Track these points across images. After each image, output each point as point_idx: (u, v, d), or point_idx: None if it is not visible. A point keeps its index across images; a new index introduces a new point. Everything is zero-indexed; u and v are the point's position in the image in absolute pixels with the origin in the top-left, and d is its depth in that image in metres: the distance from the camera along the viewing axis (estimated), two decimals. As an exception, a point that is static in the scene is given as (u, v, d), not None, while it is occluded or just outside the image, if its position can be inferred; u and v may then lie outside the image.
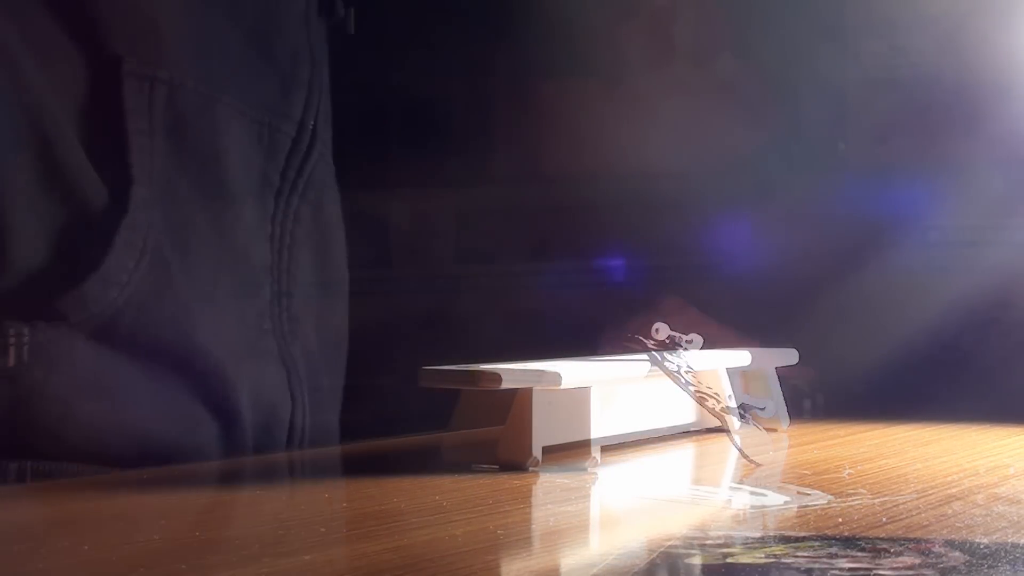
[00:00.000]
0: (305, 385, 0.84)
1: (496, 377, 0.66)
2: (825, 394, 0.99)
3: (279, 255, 0.83)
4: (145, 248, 0.71)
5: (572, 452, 0.73)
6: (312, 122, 0.84)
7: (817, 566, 0.46)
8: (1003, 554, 0.48)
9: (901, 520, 0.55)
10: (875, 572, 0.45)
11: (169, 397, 0.74)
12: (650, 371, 0.77)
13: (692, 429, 0.85)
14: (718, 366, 0.85)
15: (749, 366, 0.86)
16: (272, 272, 0.82)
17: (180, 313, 0.74)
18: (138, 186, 0.71)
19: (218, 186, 0.78)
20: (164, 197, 0.74)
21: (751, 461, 0.72)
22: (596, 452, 0.72)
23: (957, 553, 0.48)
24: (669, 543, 0.50)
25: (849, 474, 0.68)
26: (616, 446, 0.77)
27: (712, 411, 0.78)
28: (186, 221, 0.76)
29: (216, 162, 0.78)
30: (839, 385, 1.00)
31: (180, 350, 0.74)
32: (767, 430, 0.85)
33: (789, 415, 0.88)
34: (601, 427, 0.76)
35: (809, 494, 0.61)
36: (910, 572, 0.45)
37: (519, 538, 0.54)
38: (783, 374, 0.89)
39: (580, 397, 0.73)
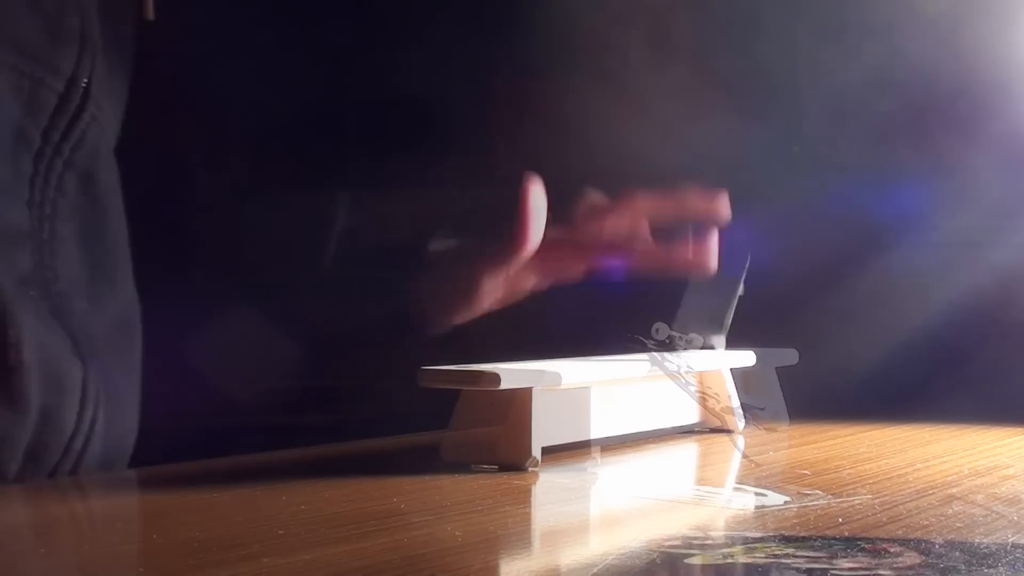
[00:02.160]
0: (95, 360, 0.74)
1: (496, 377, 0.66)
2: (825, 394, 0.99)
3: (39, 224, 0.73)
4: None
5: (572, 452, 0.73)
6: (85, 80, 0.75)
7: (818, 566, 0.46)
8: (1003, 554, 0.48)
9: (901, 520, 0.55)
10: (876, 572, 0.45)
11: None
12: (650, 371, 0.77)
13: (692, 429, 0.85)
14: (721, 366, 0.85)
15: (751, 367, 0.86)
16: (33, 239, 0.72)
17: None
18: None
19: None
20: None
21: (751, 461, 0.72)
22: (596, 452, 0.72)
23: (957, 553, 0.48)
24: (669, 543, 0.50)
25: (849, 474, 0.68)
26: (616, 446, 0.77)
27: (713, 411, 0.78)
28: None
29: None
30: (839, 385, 1.00)
31: None
32: (767, 430, 0.85)
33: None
34: (601, 427, 0.76)
35: (809, 494, 0.61)
36: (911, 572, 0.45)
37: (519, 538, 0.54)
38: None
39: (580, 397, 0.73)
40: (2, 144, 0.71)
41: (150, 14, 0.83)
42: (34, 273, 0.72)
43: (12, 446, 0.69)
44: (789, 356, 0.90)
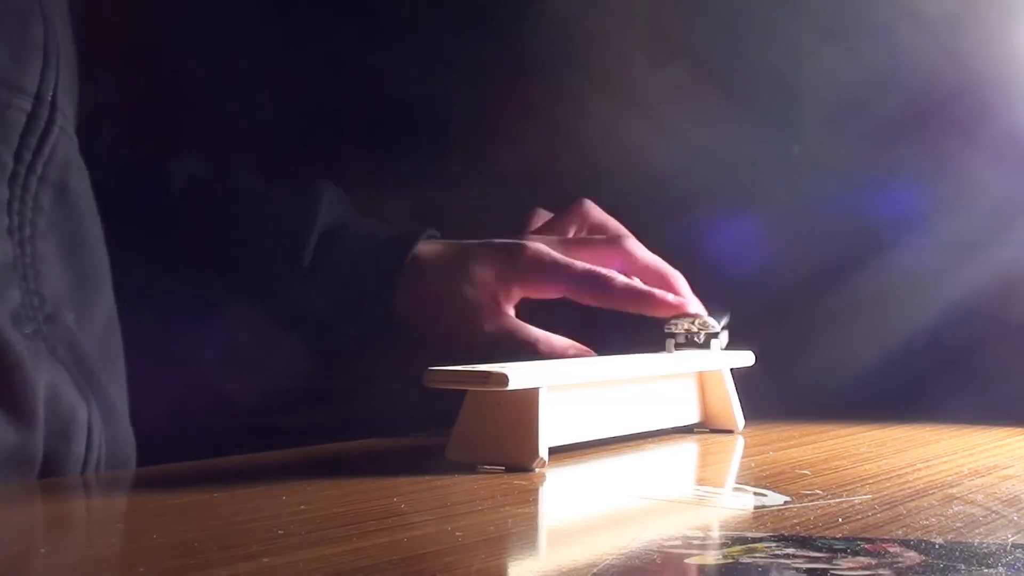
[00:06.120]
0: (91, 387, 0.74)
1: (504, 378, 0.66)
2: (826, 394, 0.99)
3: (21, 249, 0.71)
4: None
5: (574, 452, 0.73)
6: (52, 93, 0.72)
7: (818, 566, 0.46)
8: (1003, 554, 0.48)
9: (901, 520, 0.55)
10: (876, 572, 0.45)
11: None
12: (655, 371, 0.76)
13: (693, 429, 0.85)
14: (722, 367, 0.85)
15: (750, 367, 0.86)
16: (17, 269, 0.71)
17: None
18: None
19: None
20: None
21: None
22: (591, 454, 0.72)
23: (957, 553, 0.48)
24: (669, 543, 0.50)
25: (849, 474, 0.68)
26: (617, 446, 0.77)
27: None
28: None
29: None
30: (839, 385, 1.00)
31: None
32: (724, 432, 0.84)
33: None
34: (606, 427, 0.76)
35: (809, 494, 0.61)
36: (911, 572, 0.45)
37: (519, 538, 0.54)
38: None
39: (586, 397, 0.74)
40: None
41: None
42: (22, 303, 0.71)
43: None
44: (745, 358, 0.87)
